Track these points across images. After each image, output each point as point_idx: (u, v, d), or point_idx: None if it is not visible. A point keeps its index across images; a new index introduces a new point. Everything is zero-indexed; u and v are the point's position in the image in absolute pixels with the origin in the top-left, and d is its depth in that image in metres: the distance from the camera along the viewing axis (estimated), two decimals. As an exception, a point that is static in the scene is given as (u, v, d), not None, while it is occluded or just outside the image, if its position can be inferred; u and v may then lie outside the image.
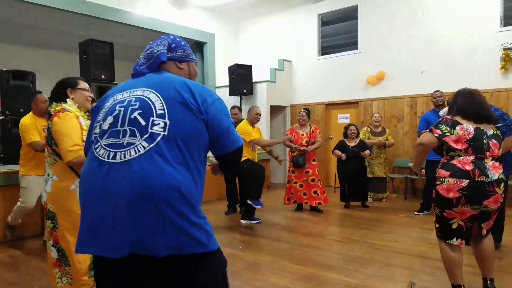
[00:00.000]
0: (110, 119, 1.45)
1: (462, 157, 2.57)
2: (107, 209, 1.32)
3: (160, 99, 1.43)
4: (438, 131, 2.63)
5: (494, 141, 2.60)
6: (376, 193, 6.97)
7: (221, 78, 9.32)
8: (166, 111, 1.40)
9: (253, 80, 8.68)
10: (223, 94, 8.87)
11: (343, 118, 8.62)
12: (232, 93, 8.49)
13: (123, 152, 1.36)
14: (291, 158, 6.01)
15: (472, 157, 2.55)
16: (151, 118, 1.39)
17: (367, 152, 6.33)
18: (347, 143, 6.45)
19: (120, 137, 1.40)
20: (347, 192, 6.37)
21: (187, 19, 8.77)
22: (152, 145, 1.34)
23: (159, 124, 1.38)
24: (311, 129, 6.03)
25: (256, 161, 5.60)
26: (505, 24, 6.67)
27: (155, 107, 1.41)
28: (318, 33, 8.93)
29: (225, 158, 1.57)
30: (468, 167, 2.52)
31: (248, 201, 5.19)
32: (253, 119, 5.57)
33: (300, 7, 9.10)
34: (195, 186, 1.39)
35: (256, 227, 5.15)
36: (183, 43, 1.68)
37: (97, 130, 1.48)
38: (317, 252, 4.03)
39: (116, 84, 7.24)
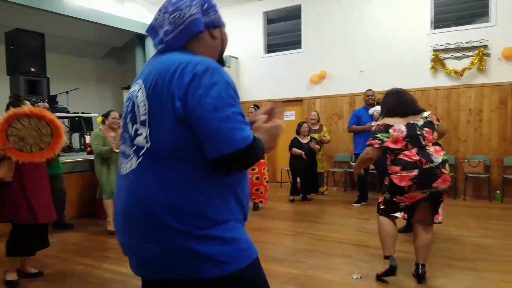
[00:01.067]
0: (122, 122, 1.29)
1: (407, 151, 2.82)
2: (116, 227, 1.29)
3: (145, 98, 1.13)
4: (377, 141, 2.89)
5: (426, 129, 2.87)
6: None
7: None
8: (148, 116, 1.12)
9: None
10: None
11: (289, 115, 8.78)
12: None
13: (124, 164, 1.23)
14: None
15: (415, 149, 2.81)
16: (135, 126, 1.16)
17: (317, 146, 6.58)
18: (301, 140, 6.58)
19: (125, 145, 1.25)
20: (299, 186, 6.56)
21: (128, 11, 8.45)
22: (139, 160, 1.13)
23: (141, 134, 1.14)
24: None
25: None
26: (435, 27, 7.15)
27: (139, 110, 1.15)
28: (264, 30, 9.01)
29: (217, 163, 1.11)
30: (415, 158, 2.78)
31: None
32: None
33: (246, 3, 9.12)
34: (196, 196, 1.12)
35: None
36: (213, 2, 1.31)
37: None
38: (263, 246, 4.09)
39: (48, 78, 6.84)
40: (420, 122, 2.88)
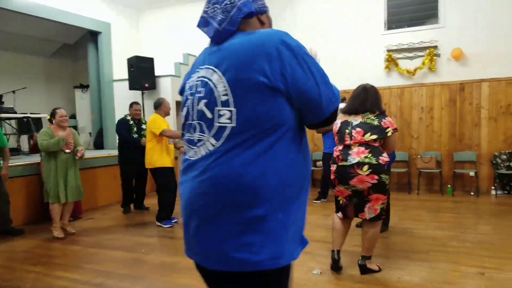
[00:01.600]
0: (184, 111, 1.30)
1: (336, 147, 3.07)
2: (183, 212, 1.28)
3: (223, 80, 1.15)
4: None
5: (358, 129, 2.96)
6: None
7: (120, 71, 8.79)
8: (231, 96, 1.13)
9: (156, 74, 8.35)
10: (123, 88, 8.43)
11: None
12: (132, 87, 8.05)
13: (194, 150, 1.23)
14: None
15: (341, 146, 3.04)
16: (216, 108, 1.16)
17: None
18: None
19: (192, 132, 1.25)
20: None
21: (79, 7, 8.08)
22: (220, 142, 1.15)
23: (224, 114, 1.14)
24: None
25: (173, 164, 5.19)
26: (389, 28, 7.38)
27: (218, 92, 1.16)
28: (220, 28, 8.92)
29: (319, 125, 1.23)
30: (336, 154, 3.06)
31: (157, 223, 5.01)
32: (168, 111, 5.19)
33: (203, 1, 8.98)
34: (280, 178, 1.14)
35: (161, 228, 4.94)
36: None
37: (182, 122, 1.34)
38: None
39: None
40: (356, 121, 3.00)
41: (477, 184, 6.57)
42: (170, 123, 7.31)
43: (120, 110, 7.50)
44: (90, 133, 9.29)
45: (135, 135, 5.75)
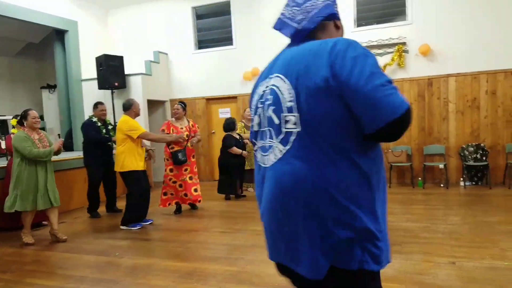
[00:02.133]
0: (256, 119, 1.35)
1: None
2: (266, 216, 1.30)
3: (290, 86, 1.19)
4: None
5: None
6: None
7: (88, 70, 8.56)
8: (295, 102, 1.16)
9: (126, 73, 8.17)
10: (92, 87, 8.22)
11: (224, 112, 8.70)
12: (101, 86, 7.86)
13: (266, 157, 1.27)
14: (169, 154, 5.45)
15: None
16: (282, 114, 1.20)
17: (246, 140, 6.55)
18: (235, 137, 6.46)
19: (265, 139, 1.29)
20: (228, 184, 6.44)
21: (44, 5, 7.79)
22: (287, 147, 1.18)
23: (290, 120, 1.18)
24: (190, 123, 5.77)
25: (145, 167, 5.05)
26: (358, 25, 7.50)
27: (284, 98, 1.20)
28: (193, 26, 8.83)
29: (377, 137, 1.12)
30: None
31: (122, 227, 4.90)
32: (138, 112, 5.03)
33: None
34: (348, 184, 1.13)
35: (134, 231, 4.83)
36: None
37: (253, 130, 1.39)
38: (201, 246, 4.01)
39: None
40: None
41: (446, 176, 6.78)
42: (141, 123, 7.14)
43: (90, 110, 7.28)
44: (58, 134, 9.01)
45: (105, 136, 5.64)
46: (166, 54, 9.01)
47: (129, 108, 4.95)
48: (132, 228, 4.84)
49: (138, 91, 8.22)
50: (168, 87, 9.05)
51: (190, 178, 5.57)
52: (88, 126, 5.62)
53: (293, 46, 1.30)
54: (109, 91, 8.05)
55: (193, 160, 5.66)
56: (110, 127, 5.76)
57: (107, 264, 3.62)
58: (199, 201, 5.67)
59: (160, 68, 8.81)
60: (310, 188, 1.13)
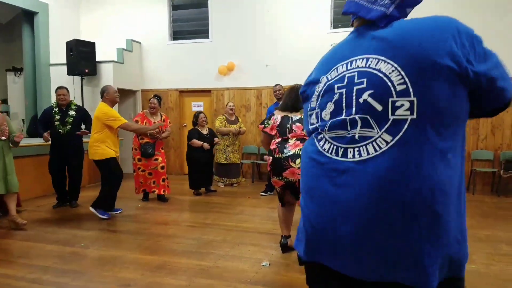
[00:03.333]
0: (330, 106, 1.14)
1: (275, 140, 3.30)
2: (329, 215, 1.09)
3: (396, 68, 1.03)
4: (262, 126, 3.43)
5: (298, 124, 3.23)
6: (231, 178, 7.19)
7: (57, 54, 8.21)
8: (409, 84, 1.00)
9: (97, 60, 7.91)
10: (61, 72, 7.90)
11: (197, 106, 8.59)
12: (71, 72, 7.56)
13: (356, 149, 1.06)
14: (138, 145, 5.58)
15: (279, 139, 3.26)
16: (390, 99, 1.02)
17: (216, 139, 6.53)
18: (201, 131, 6.42)
19: (348, 128, 1.08)
20: (196, 178, 6.39)
21: (13, -17, 7.42)
22: (397, 137, 1.00)
23: (402, 105, 1.00)
24: (162, 118, 5.79)
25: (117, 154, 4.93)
26: (334, 26, 7.57)
27: (392, 82, 1.03)
28: (169, 16, 8.64)
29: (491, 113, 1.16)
30: (273, 147, 3.26)
31: (92, 208, 4.78)
32: (114, 99, 4.82)
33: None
34: (453, 184, 1.02)
35: (101, 221, 4.69)
36: None
37: (313, 120, 1.20)
38: (170, 240, 3.92)
39: None
40: (296, 117, 3.26)
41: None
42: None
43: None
44: (23, 119, 8.61)
45: (57, 123, 5.20)
46: (140, 43, 8.78)
47: (102, 95, 4.77)
48: (101, 216, 4.71)
49: (109, 79, 7.97)
50: (140, 77, 8.83)
51: (162, 167, 5.68)
52: (43, 112, 5.39)
53: (373, 29, 1.14)
54: (78, 78, 7.76)
55: (162, 151, 5.76)
56: (71, 112, 5.32)
57: (72, 254, 3.47)
58: (165, 192, 5.74)
59: (132, 57, 8.58)
60: (419, 188, 0.98)
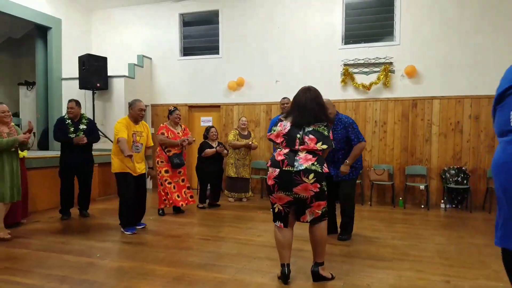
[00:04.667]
0: None
1: (280, 150, 2.91)
2: None
3: None
4: (269, 133, 3.04)
5: (311, 136, 2.87)
6: (239, 193, 7.11)
7: (70, 69, 8.29)
8: None
9: (109, 74, 7.96)
10: (72, 86, 7.96)
11: (206, 121, 8.58)
12: (83, 86, 7.61)
13: None
14: (166, 158, 5.62)
15: (286, 150, 2.89)
16: None
17: (225, 152, 6.57)
18: (211, 144, 6.44)
19: None
20: (208, 192, 6.44)
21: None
22: None
23: None
24: (183, 127, 5.92)
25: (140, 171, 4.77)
26: (346, 43, 7.61)
27: None
28: (179, 32, 8.73)
29: None
30: (280, 158, 2.87)
31: (121, 229, 4.72)
32: (137, 116, 4.69)
33: (160, 3, 8.77)
34: None
35: (115, 233, 4.62)
36: None
37: None
38: (186, 253, 3.83)
39: None
40: (309, 128, 2.90)
41: (427, 197, 6.86)
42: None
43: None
44: (34, 132, 8.58)
45: (71, 135, 5.29)
46: (150, 58, 8.85)
47: (129, 108, 4.80)
48: (126, 232, 4.62)
49: (120, 93, 8.01)
50: (150, 92, 8.86)
51: (183, 180, 5.78)
52: (56, 124, 5.43)
53: None
54: (90, 92, 7.81)
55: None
56: (82, 126, 5.40)
57: (88, 264, 3.39)
58: (190, 202, 5.81)
59: (143, 72, 8.64)
60: None
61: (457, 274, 3.33)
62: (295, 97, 3.08)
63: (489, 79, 6.68)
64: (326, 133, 2.90)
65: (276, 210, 2.99)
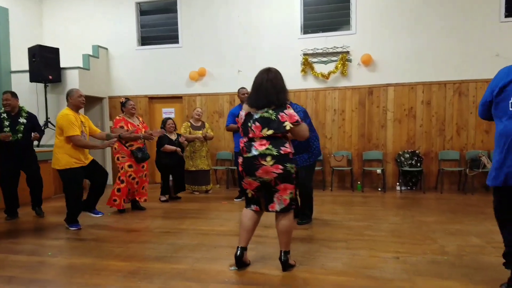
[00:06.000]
0: None
1: (242, 138, 3.05)
2: None
3: None
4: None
5: (257, 124, 2.90)
6: (200, 186, 7.04)
7: (19, 61, 7.90)
8: None
9: (62, 66, 7.65)
10: (23, 80, 7.59)
11: (168, 112, 8.45)
12: (34, 79, 7.28)
13: None
14: (128, 153, 5.30)
15: (245, 138, 3.00)
16: None
17: (186, 141, 6.52)
18: (170, 137, 6.33)
19: None
20: (167, 185, 6.35)
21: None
22: None
23: None
24: (140, 119, 5.67)
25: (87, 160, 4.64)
26: (305, 32, 7.68)
27: None
28: (137, 22, 8.50)
29: None
30: (241, 146, 3.03)
31: (66, 225, 4.59)
32: (78, 104, 4.54)
33: (116, -7, 8.51)
34: None
35: (69, 231, 4.47)
36: None
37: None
38: (144, 246, 3.78)
39: None
40: (257, 115, 2.92)
41: (384, 181, 7.11)
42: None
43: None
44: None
45: (6, 129, 4.87)
46: (106, 49, 8.58)
47: (66, 99, 4.57)
48: (71, 228, 4.49)
49: (74, 86, 7.68)
50: (107, 84, 8.61)
51: (145, 175, 5.58)
52: None
53: None
54: (42, 85, 7.48)
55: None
56: (22, 120, 5.01)
57: (39, 263, 3.27)
58: (145, 200, 5.64)
59: (99, 63, 8.37)
60: None
61: (407, 250, 3.48)
62: (254, 78, 3.07)
63: (437, 66, 6.95)
64: (273, 117, 2.86)
65: (250, 195, 3.07)
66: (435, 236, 3.95)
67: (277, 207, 2.95)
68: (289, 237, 3.01)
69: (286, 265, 3.01)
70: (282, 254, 3.00)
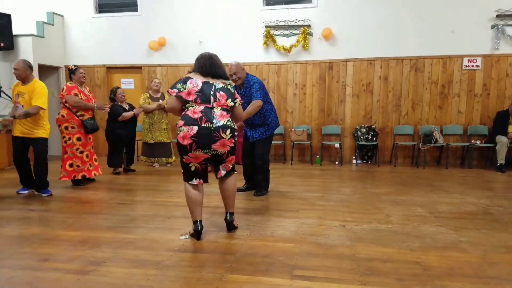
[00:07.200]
0: None
1: (194, 107, 2.90)
2: None
3: None
4: (175, 90, 2.93)
5: (222, 93, 2.98)
6: (160, 158, 6.99)
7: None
8: None
9: (14, 33, 7.26)
10: (-30, 46, 7.15)
11: (127, 83, 8.24)
12: (-17, 46, 6.90)
13: None
14: (78, 123, 5.03)
15: (201, 107, 2.89)
16: None
17: (136, 111, 6.32)
18: (124, 106, 6.19)
19: None
20: (117, 156, 6.22)
21: None
22: None
23: None
24: (88, 89, 5.41)
25: (19, 133, 4.58)
26: (267, 4, 7.60)
27: None
28: (94, -12, 8.13)
29: None
30: (197, 115, 2.87)
31: (37, 193, 4.74)
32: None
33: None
34: None
35: (21, 201, 4.40)
36: None
37: None
38: (96, 217, 3.76)
39: None
40: (219, 85, 2.98)
41: (341, 155, 7.32)
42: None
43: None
44: None
45: None
46: (62, 16, 8.20)
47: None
48: (45, 194, 4.71)
49: (28, 54, 7.37)
50: (63, 52, 8.27)
51: (93, 147, 5.39)
52: None
53: None
54: (-8, 52, 7.10)
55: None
56: None
57: (-16, 234, 3.21)
58: (99, 172, 5.48)
59: (54, 31, 8.00)
60: None
61: (354, 219, 3.66)
62: (198, 58, 3.07)
63: (396, 42, 7.11)
64: (232, 91, 3.06)
65: (193, 168, 2.99)
66: (382, 206, 4.16)
67: (222, 173, 3.12)
68: (234, 199, 3.20)
69: (231, 226, 3.22)
70: (228, 215, 3.21)
